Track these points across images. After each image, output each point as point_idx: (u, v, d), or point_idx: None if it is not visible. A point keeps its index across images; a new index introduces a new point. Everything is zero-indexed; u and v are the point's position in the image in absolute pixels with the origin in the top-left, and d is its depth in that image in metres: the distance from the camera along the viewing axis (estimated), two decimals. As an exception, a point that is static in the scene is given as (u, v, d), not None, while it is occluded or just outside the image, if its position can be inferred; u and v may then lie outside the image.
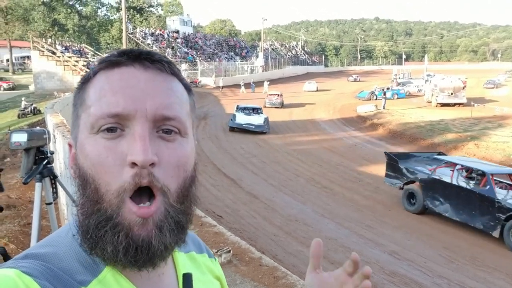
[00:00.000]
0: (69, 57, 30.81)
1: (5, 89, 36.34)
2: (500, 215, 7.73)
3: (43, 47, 30.70)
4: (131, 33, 45.17)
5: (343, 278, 0.60)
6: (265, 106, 25.24)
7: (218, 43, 58.29)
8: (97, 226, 0.50)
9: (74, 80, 26.99)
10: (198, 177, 0.58)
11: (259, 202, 9.72)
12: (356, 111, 25.40)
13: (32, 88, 32.91)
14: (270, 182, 11.58)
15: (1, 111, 25.93)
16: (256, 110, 20.13)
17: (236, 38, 73.66)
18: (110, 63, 0.54)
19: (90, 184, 0.51)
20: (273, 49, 65.13)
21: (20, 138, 2.36)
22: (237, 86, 36.82)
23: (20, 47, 50.67)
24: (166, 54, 38.46)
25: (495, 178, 8.41)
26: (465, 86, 26.59)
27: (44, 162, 2.50)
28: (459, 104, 26.15)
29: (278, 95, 27.60)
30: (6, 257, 2.18)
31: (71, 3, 51.58)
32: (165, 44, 46.92)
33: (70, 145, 0.58)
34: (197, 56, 45.98)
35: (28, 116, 22.28)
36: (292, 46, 75.35)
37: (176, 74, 0.57)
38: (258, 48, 60.61)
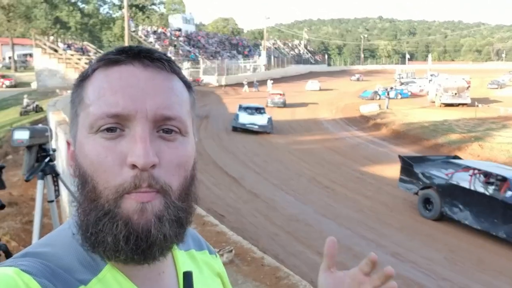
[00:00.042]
0: (71, 55, 30.87)
1: (7, 87, 36.46)
2: None
3: (45, 44, 30.80)
4: (133, 31, 45.22)
5: (360, 278, 0.59)
6: (267, 106, 24.79)
7: (221, 41, 58.28)
8: (96, 221, 0.50)
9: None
10: (197, 176, 0.58)
11: (261, 201, 9.70)
12: (359, 111, 25.29)
13: (34, 85, 33.00)
14: (271, 181, 11.56)
15: (3, 109, 26.00)
16: (259, 110, 19.88)
17: (239, 36, 73.58)
18: (109, 61, 0.54)
19: (89, 183, 0.51)
20: (275, 48, 65.07)
21: (22, 135, 2.35)
22: (240, 85, 36.81)
23: (22, 45, 50.72)
24: (169, 53, 38.40)
25: None
26: (469, 86, 26.47)
27: (46, 160, 2.50)
28: (463, 104, 25.99)
29: (281, 95, 27.38)
30: (8, 254, 2.18)
31: (73, 0, 51.75)
32: (167, 42, 46.96)
33: (68, 143, 0.58)
34: (200, 55, 46.02)
35: (30, 113, 22.32)
36: (295, 45, 75.25)
37: (176, 72, 0.56)
38: (260, 46, 60.67)
